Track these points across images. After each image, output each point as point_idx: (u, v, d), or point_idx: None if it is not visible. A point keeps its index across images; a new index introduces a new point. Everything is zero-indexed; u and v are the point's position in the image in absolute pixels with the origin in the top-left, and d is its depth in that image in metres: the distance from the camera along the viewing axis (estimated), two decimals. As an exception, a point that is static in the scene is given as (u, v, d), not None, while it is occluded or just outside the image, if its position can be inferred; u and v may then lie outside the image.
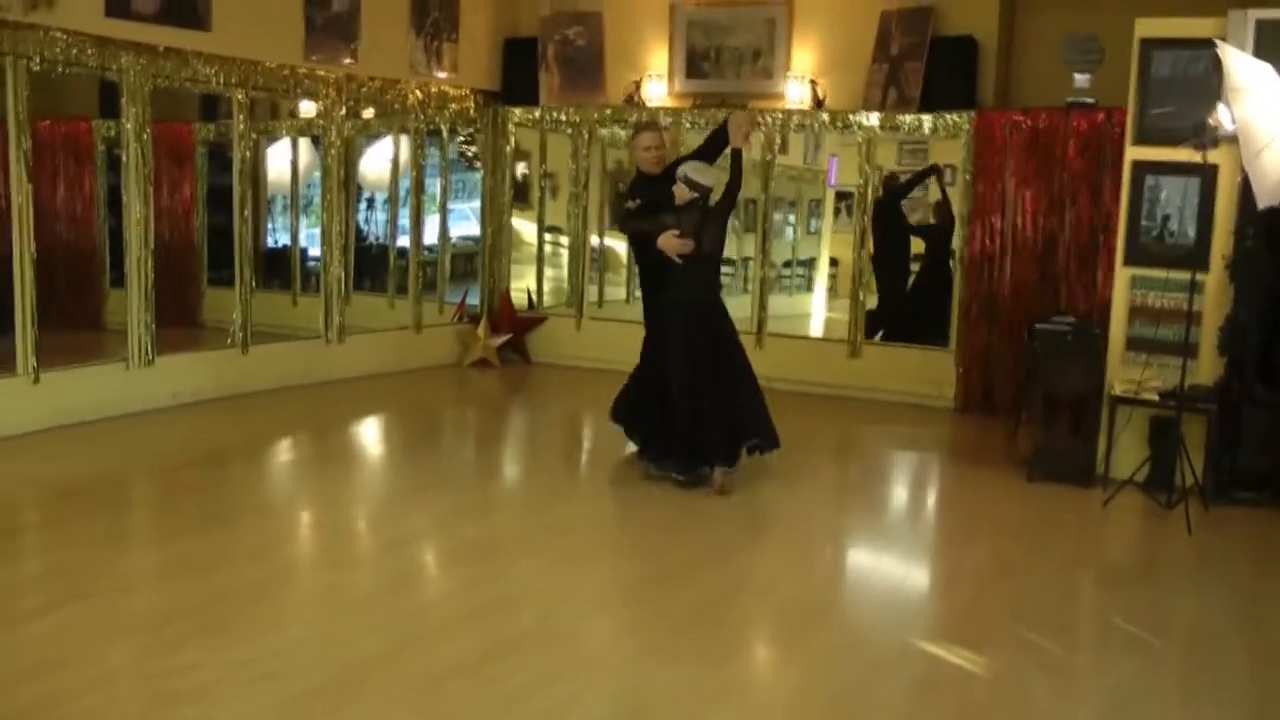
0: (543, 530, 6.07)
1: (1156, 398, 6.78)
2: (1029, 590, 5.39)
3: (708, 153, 7.00)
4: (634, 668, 4.33)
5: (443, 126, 11.02)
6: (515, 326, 10.96)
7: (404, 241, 11.50)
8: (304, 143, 11.69)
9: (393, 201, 11.72)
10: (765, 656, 4.54)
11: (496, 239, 11.26)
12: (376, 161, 12.21)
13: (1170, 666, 4.64)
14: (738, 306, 10.60)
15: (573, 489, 7.04)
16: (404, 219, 11.88)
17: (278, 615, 4.70)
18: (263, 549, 5.54)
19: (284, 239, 12.30)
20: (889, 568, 5.79)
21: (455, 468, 7.48)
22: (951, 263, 9.50)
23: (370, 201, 12.71)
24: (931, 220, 10.78)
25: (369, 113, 11.23)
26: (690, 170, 6.61)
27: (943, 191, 10.38)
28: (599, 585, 5.26)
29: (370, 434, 8.68)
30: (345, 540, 5.84)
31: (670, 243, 6.58)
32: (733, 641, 4.60)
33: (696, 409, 6.57)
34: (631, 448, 7.22)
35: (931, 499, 7.45)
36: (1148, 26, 7.01)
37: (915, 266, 10.86)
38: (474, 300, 11.23)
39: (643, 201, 6.88)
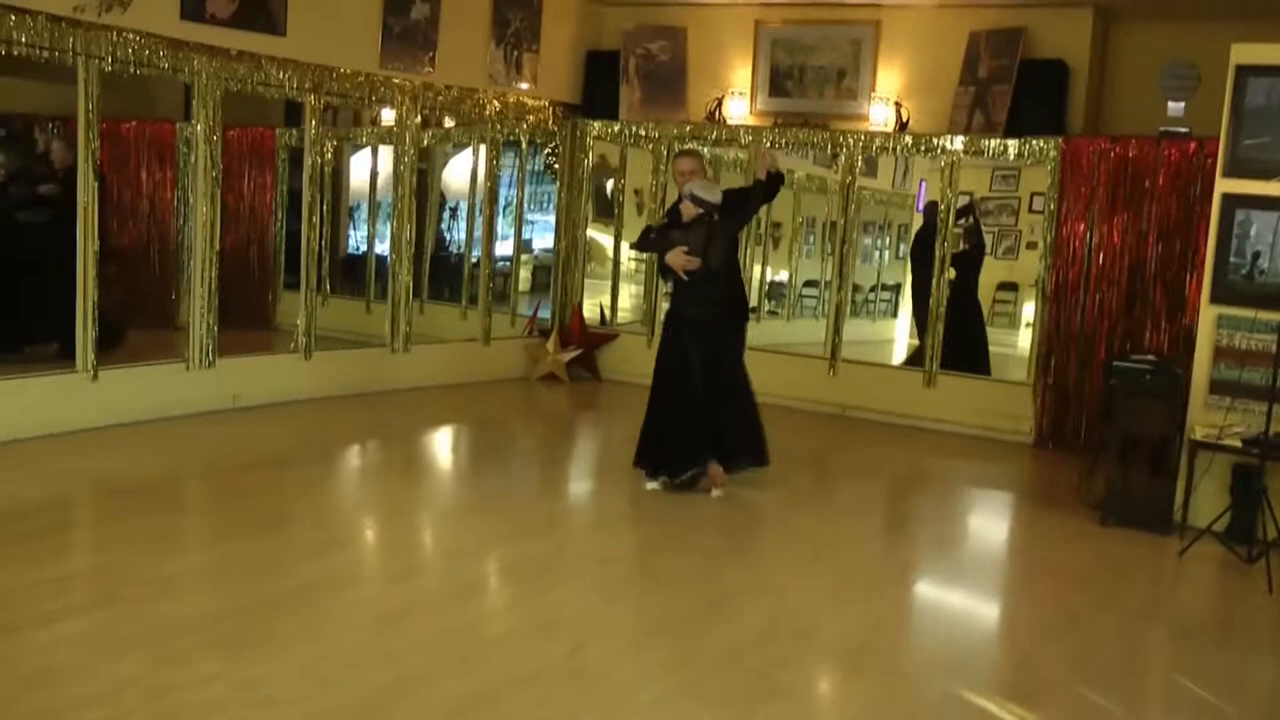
0: (587, 556, 5.90)
1: (1239, 444, 6.41)
2: (1092, 643, 5.07)
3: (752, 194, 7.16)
4: (660, 709, 4.13)
5: (521, 137, 10.94)
6: (586, 342, 10.82)
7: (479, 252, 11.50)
8: (384, 150, 11.67)
9: (470, 211, 11.65)
10: (799, 704, 4.29)
11: (571, 252, 11.14)
12: (459, 171, 12.18)
13: (1240, 736, 4.32)
14: (815, 329, 10.50)
15: (623, 513, 6.85)
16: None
17: (297, 632, 4.56)
18: (296, 560, 5.46)
19: (364, 246, 12.33)
20: (942, 612, 5.53)
21: (505, 485, 7.33)
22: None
23: (454, 211, 12.69)
24: (963, 246, 10.35)
25: (449, 122, 11.21)
26: (696, 188, 6.82)
27: (975, 219, 10.12)
28: (635, 617, 5.06)
29: (425, 447, 8.59)
30: (382, 556, 5.74)
31: (677, 259, 6.78)
32: (767, 686, 4.36)
33: (685, 410, 6.85)
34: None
35: (996, 539, 7.13)
36: (1244, 53, 6.67)
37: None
38: (546, 314, 11.12)
39: (670, 223, 7.01)
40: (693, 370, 6.88)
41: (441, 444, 8.71)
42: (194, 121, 8.08)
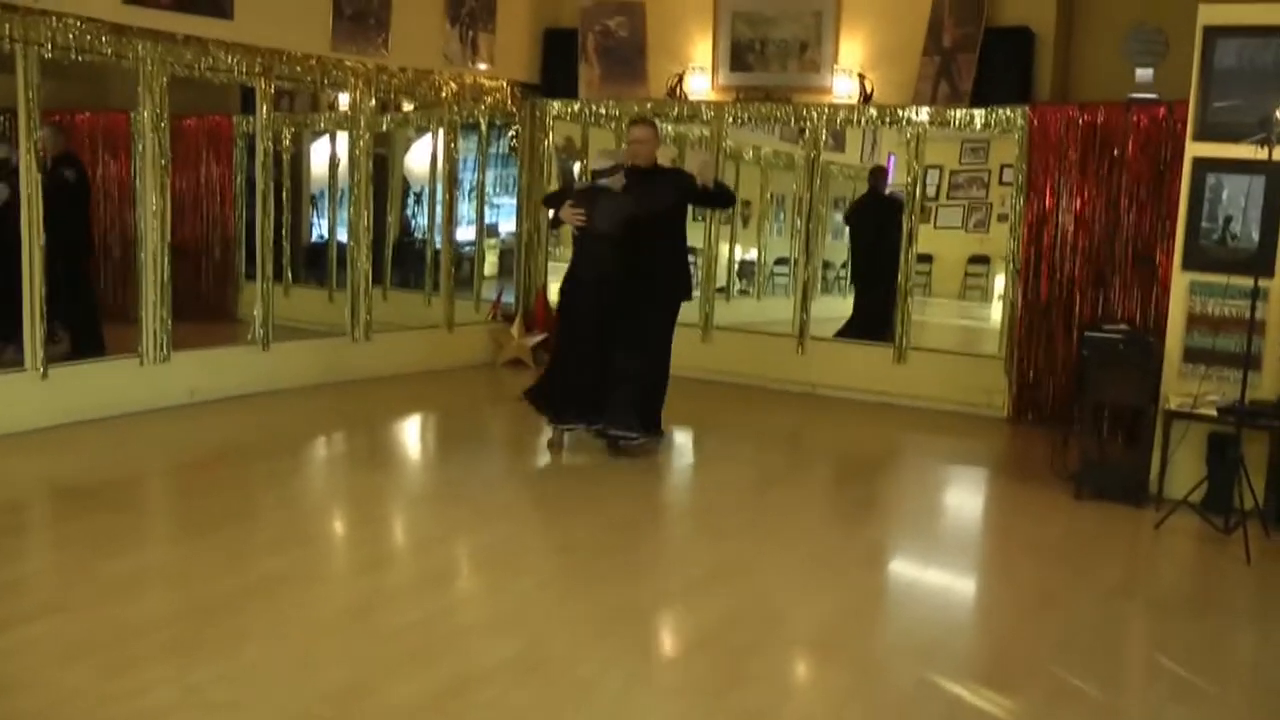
0: (548, 546, 5.76)
1: (1215, 412, 6.29)
2: (1070, 623, 4.95)
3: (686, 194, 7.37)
4: (624, 700, 3.97)
5: (481, 119, 10.73)
6: (551, 326, 10.60)
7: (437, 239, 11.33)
8: (343, 136, 11.44)
9: (430, 196, 11.44)
10: (766, 691, 4.13)
11: (533, 235, 10.94)
12: (421, 156, 11.95)
13: (1225, 716, 4.17)
14: (787, 308, 10.36)
15: (586, 497, 6.67)
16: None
17: (251, 633, 4.38)
18: (252, 557, 5.26)
19: (326, 234, 12.11)
20: (915, 594, 5.35)
21: (465, 473, 7.14)
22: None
23: (418, 196, 12.48)
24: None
25: (408, 105, 10.99)
26: (599, 162, 7.40)
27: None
28: (596, 607, 4.86)
29: (385, 437, 8.38)
30: (339, 550, 5.55)
31: (566, 213, 7.19)
32: (732, 674, 4.20)
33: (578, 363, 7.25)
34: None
35: (969, 516, 6.98)
36: (1212, 13, 6.53)
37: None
38: (510, 298, 10.94)
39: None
40: (575, 324, 7.30)
41: (401, 433, 8.52)
42: (140, 109, 7.82)
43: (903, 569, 5.69)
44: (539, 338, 10.50)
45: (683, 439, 8.09)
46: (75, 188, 8.85)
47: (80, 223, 8.96)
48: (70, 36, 7.31)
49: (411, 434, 8.54)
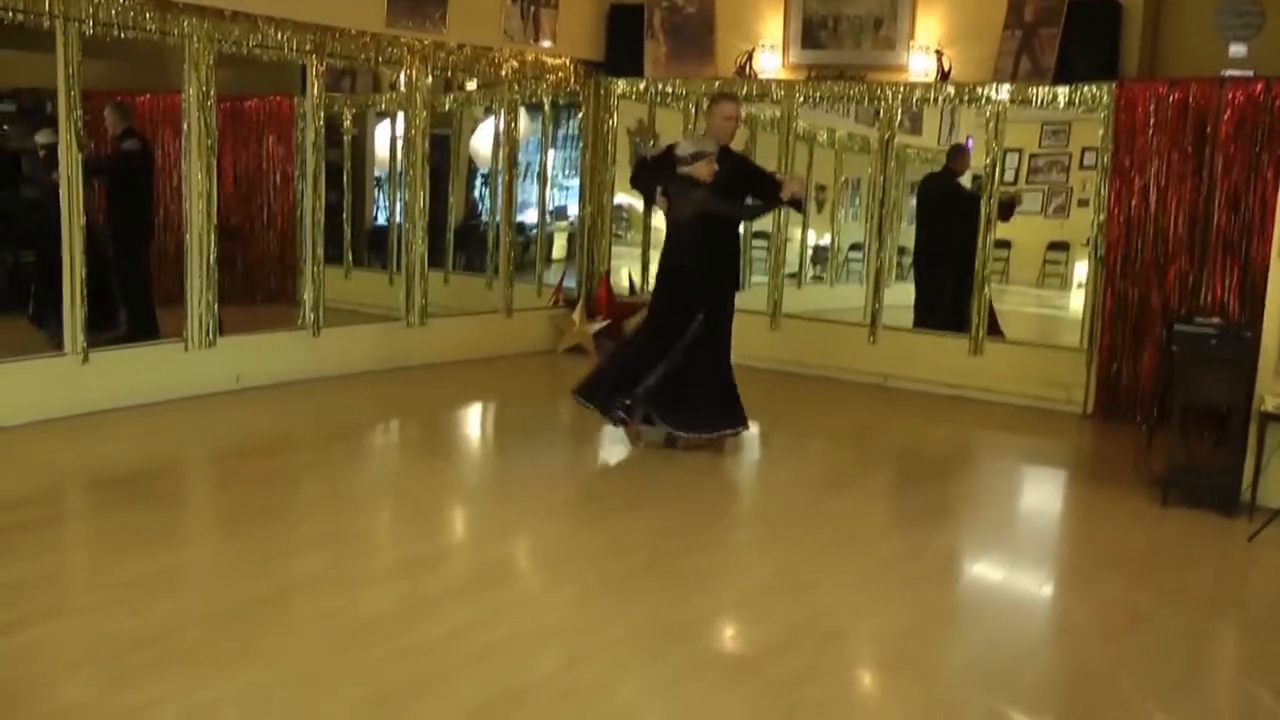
0: (598, 550, 5.40)
1: (1316, 415, 5.83)
2: (1156, 646, 4.53)
3: (760, 188, 7.05)
4: (660, 732, 3.66)
5: (545, 99, 10.43)
6: (614, 312, 10.31)
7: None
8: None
9: (491, 178, 11.19)
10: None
11: (597, 219, 10.62)
12: (486, 136, 11.69)
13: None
14: (860, 295, 9.99)
15: (641, 501, 6.36)
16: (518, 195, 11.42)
17: (263, 645, 4.11)
18: (276, 559, 5.02)
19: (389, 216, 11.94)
20: (987, 611, 4.93)
21: (514, 469, 6.87)
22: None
23: (485, 178, 12.24)
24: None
25: (471, 84, 10.73)
26: (684, 148, 6.86)
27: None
28: (644, 622, 4.52)
29: (432, 427, 8.09)
30: (371, 552, 5.24)
31: (700, 168, 6.70)
32: (782, 700, 3.86)
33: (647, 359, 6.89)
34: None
35: (1046, 524, 6.48)
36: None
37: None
38: (572, 283, 10.64)
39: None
40: (660, 318, 6.96)
41: (451, 424, 8.23)
42: (185, 88, 7.60)
43: (974, 582, 5.30)
44: (601, 324, 10.19)
45: (748, 435, 7.73)
46: (136, 168, 8.72)
47: (140, 204, 8.83)
48: (113, 13, 7.12)
49: (462, 424, 8.27)
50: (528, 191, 11.05)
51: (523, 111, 10.40)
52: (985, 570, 5.45)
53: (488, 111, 11.54)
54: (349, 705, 3.70)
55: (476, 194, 12.63)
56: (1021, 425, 8.29)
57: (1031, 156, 13.84)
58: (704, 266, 6.87)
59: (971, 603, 5.00)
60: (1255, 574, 5.55)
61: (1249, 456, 6.13)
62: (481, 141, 11.90)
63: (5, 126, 10.41)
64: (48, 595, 4.52)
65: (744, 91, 9.67)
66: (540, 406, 8.76)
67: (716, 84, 9.74)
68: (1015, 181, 14.17)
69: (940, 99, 9.04)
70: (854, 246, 12.62)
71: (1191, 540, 5.86)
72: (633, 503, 6.21)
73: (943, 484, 7.08)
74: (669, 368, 6.85)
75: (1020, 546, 5.88)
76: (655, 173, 7.03)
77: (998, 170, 8.75)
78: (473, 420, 8.36)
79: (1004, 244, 14.04)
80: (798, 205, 7.24)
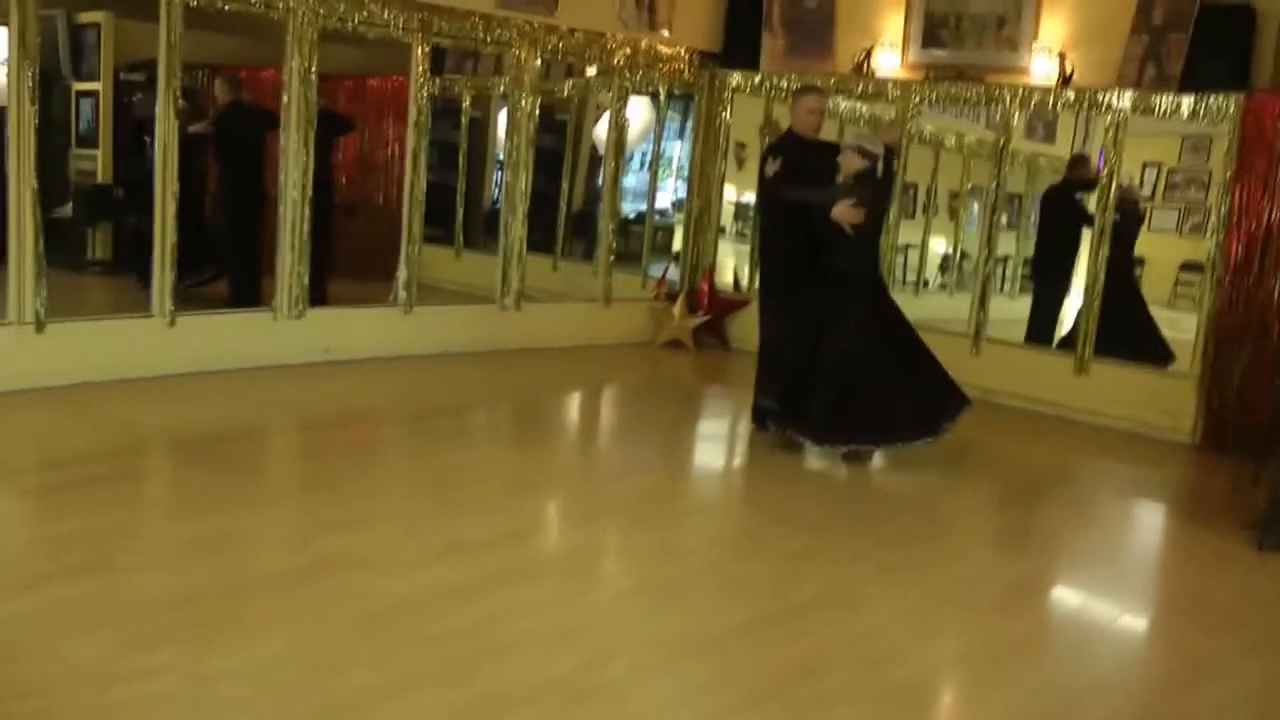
0: (648, 548, 5.26)
1: None
2: (1228, 700, 4.22)
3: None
4: (670, 747, 3.50)
5: (661, 87, 10.29)
6: (715, 308, 10.13)
7: (625, 208, 11.01)
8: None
9: (604, 165, 11.09)
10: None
11: (703, 213, 10.44)
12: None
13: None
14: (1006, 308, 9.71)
15: (711, 501, 6.19)
16: (629, 183, 11.34)
17: (280, 620, 4.06)
18: (321, 533, 5.01)
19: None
20: (1047, 647, 4.63)
21: (586, 461, 6.76)
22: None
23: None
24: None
25: (592, 70, 10.65)
26: (861, 140, 6.60)
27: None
28: (681, 627, 4.36)
29: (510, 413, 8.01)
30: (416, 535, 5.13)
31: (846, 213, 6.41)
32: (806, 724, 3.68)
33: (875, 379, 6.53)
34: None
35: (1128, 560, 6.07)
36: None
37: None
38: (676, 276, 10.49)
39: (783, 165, 6.66)
40: (860, 326, 6.59)
41: (529, 410, 8.09)
42: (287, 62, 7.64)
43: (1042, 617, 4.97)
44: (701, 319, 10.02)
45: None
46: (237, 140, 8.85)
47: (252, 173, 8.95)
48: (218, -15, 7.18)
49: (540, 413, 8.11)
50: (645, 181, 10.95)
51: (644, 101, 10.31)
52: (1054, 603, 5.16)
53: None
54: (353, 689, 3.62)
55: (599, 181, 12.57)
56: (1122, 452, 7.89)
57: (1169, 172, 13.29)
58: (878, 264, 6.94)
59: (1029, 638, 4.67)
60: (1351, 629, 5.14)
61: (1359, 502, 5.71)
62: (603, 129, 11.81)
63: (136, 96, 10.64)
64: (90, 551, 4.54)
65: (860, 89, 9.42)
66: (625, 400, 8.66)
67: (833, 80, 9.48)
68: (1152, 197, 13.65)
69: (1059, 104, 8.65)
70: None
71: (1285, 589, 5.47)
72: (696, 506, 6.06)
73: (1026, 508, 6.76)
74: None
75: (1097, 581, 5.55)
76: (800, 183, 6.67)
77: (1114, 183, 8.31)
78: (552, 409, 8.23)
79: (1138, 261, 13.54)
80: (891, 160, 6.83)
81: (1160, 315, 12.11)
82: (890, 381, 6.59)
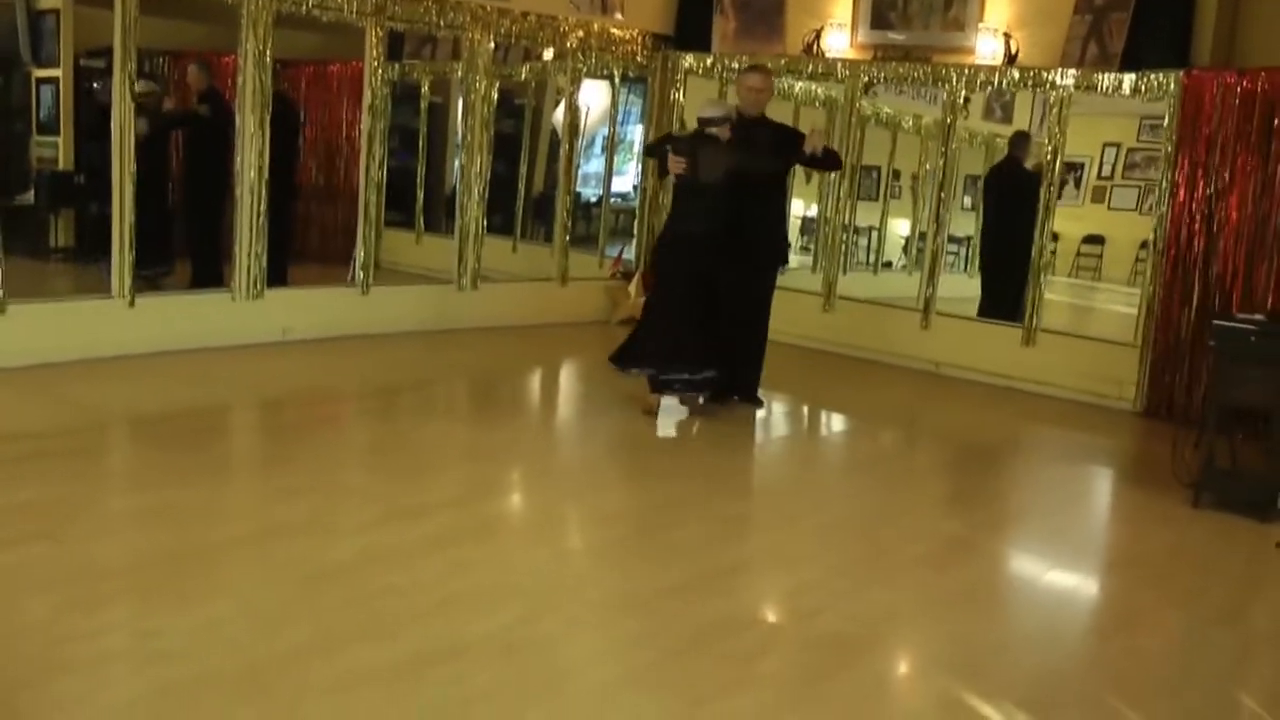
0: (586, 517, 5.39)
1: (1359, 421, 5.55)
2: (1149, 649, 4.37)
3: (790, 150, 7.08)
4: (597, 696, 3.60)
5: (615, 70, 10.39)
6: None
7: (586, 191, 11.12)
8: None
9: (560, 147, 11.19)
10: (762, 698, 3.70)
11: (657, 194, 10.55)
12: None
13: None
14: (960, 285, 9.85)
15: (655, 469, 6.30)
16: (590, 167, 11.44)
17: (226, 583, 4.17)
18: (269, 503, 5.12)
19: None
20: (974, 601, 4.74)
21: (530, 432, 6.86)
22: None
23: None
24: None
25: (549, 54, 10.73)
26: (704, 109, 6.96)
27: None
28: (610, 588, 4.49)
29: (462, 388, 8.11)
30: (362, 503, 5.23)
31: (671, 160, 6.74)
32: (733, 675, 3.77)
33: (686, 321, 6.79)
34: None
35: (1065, 518, 6.16)
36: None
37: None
38: (631, 255, 10.60)
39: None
40: (675, 282, 6.85)
41: (481, 385, 8.20)
42: (241, 46, 7.70)
43: (974, 573, 5.07)
44: (656, 298, 10.13)
45: (781, 410, 7.63)
46: (212, 124, 8.92)
47: (216, 158, 9.00)
48: (172, -30, 7.24)
49: (490, 387, 8.20)
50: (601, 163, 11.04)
51: (604, 85, 10.41)
52: (986, 560, 5.26)
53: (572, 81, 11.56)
54: (290, 645, 3.71)
55: (559, 165, 12.64)
56: (1068, 420, 8.05)
57: (1129, 151, 13.49)
58: (732, 231, 6.85)
59: (958, 592, 4.79)
60: (1274, 582, 5.29)
61: (1289, 460, 5.87)
62: (562, 113, 11.90)
63: (97, 83, 10.66)
64: (42, 520, 4.62)
65: (809, 70, 9.55)
66: (576, 374, 8.78)
67: (783, 61, 9.61)
68: (1112, 176, 13.83)
69: (1005, 83, 8.80)
70: (952, 239, 12.38)
71: (1217, 545, 5.63)
72: (636, 472, 6.19)
73: (970, 473, 6.92)
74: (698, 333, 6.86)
75: (1033, 540, 5.71)
76: (667, 141, 7.12)
77: (1058, 159, 8.46)
78: (503, 385, 8.30)
79: (1097, 239, 13.74)
80: (829, 162, 7.14)
81: (1121, 293, 12.36)
82: (683, 327, 6.82)
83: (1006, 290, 9.24)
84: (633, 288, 10.14)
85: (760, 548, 5.04)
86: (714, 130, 6.77)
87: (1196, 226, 7.77)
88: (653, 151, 7.29)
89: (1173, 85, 7.81)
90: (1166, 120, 7.89)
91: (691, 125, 10.37)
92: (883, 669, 4.01)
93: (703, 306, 6.84)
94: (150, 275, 8.47)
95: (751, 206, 6.91)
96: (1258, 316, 6.28)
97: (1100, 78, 8.14)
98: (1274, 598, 5.16)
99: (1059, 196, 8.75)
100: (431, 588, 4.26)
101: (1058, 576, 5.20)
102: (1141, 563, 5.39)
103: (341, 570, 4.37)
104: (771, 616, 4.34)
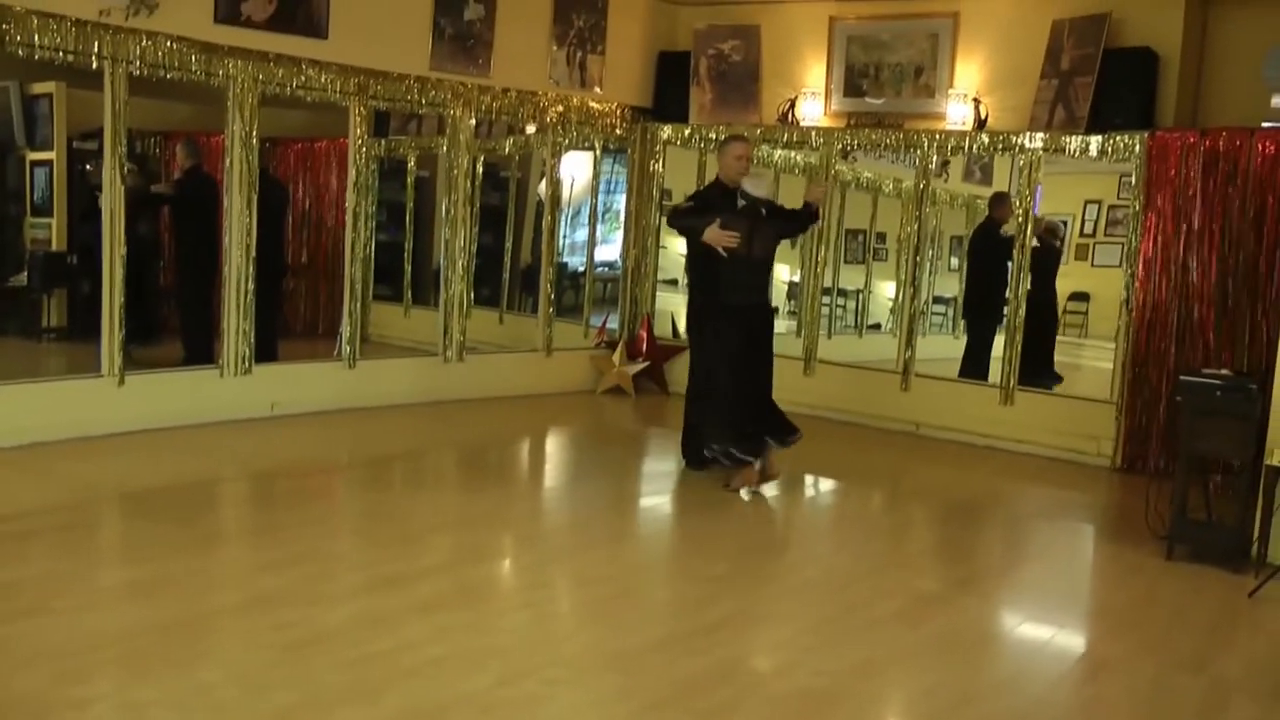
0: (571, 576, 5.50)
1: (1323, 471, 5.67)
2: (1116, 699, 4.45)
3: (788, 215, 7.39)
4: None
5: (596, 142, 10.61)
6: (654, 354, 10.40)
7: (572, 260, 11.30)
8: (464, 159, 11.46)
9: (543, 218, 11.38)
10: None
11: (640, 262, 10.73)
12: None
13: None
14: (945, 346, 9.98)
15: (638, 532, 6.42)
16: (577, 237, 11.61)
17: (212, 652, 4.26)
18: (257, 572, 5.21)
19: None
20: (944, 655, 4.81)
21: (515, 499, 6.96)
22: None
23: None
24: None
25: (531, 128, 10.94)
26: (747, 184, 7.06)
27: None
28: (590, 647, 4.59)
29: (451, 458, 8.19)
30: (348, 570, 5.34)
31: (715, 234, 6.74)
32: (700, 730, 3.89)
33: (747, 395, 7.00)
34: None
35: (1039, 572, 6.27)
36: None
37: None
38: (615, 325, 10.76)
39: (695, 199, 7.28)
40: (733, 354, 6.98)
41: (469, 456, 8.28)
42: (229, 127, 7.90)
43: (946, 627, 5.15)
44: (640, 366, 10.28)
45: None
46: (190, 202, 9.11)
47: (199, 236, 9.18)
48: (160, 55, 7.43)
49: (475, 457, 8.28)
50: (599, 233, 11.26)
51: (587, 156, 10.63)
52: (960, 614, 5.32)
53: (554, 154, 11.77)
54: (275, 709, 3.80)
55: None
56: (1046, 476, 8.16)
57: (1110, 208, 13.68)
58: (765, 296, 7.29)
59: (928, 646, 4.87)
60: (1246, 631, 5.38)
61: (1259, 511, 5.98)
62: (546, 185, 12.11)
63: (90, 164, 10.87)
64: (34, 595, 4.72)
65: (785, 138, 9.77)
66: (561, 443, 8.90)
67: (759, 130, 9.83)
68: (1094, 234, 14.02)
69: (975, 147, 9.02)
70: (937, 300, 12.55)
71: (1189, 596, 5.72)
72: (619, 536, 6.29)
73: (947, 529, 7.04)
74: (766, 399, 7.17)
75: (1006, 594, 5.81)
76: (698, 212, 7.08)
77: (1029, 221, 8.66)
78: (489, 454, 8.37)
79: (1083, 296, 13.90)
80: (814, 216, 7.42)
81: (1106, 349, 12.49)
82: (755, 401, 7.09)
83: (988, 352, 9.38)
84: (616, 356, 10.28)
85: (738, 607, 5.12)
86: (761, 205, 7.09)
87: (1165, 283, 7.92)
88: (684, 219, 7.16)
89: (1138, 146, 8.00)
90: (1134, 180, 8.08)
91: (674, 191, 10.74)
92: (853, 721, 4.10)
93: (761, 375, 7.12)
94: (138, 347, 8.62)
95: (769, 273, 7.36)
96: (1224, 372, 6.42)
97: (1068, 140, 8.34)
98: (1246, 647, 5.25)
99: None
100: (412, 652, 4.36)
101: (1030, 629, 5.29)
102: (1113, 614, 5.50)
103: (328, 636, 4.47)
104: (744, 673, 4.43)
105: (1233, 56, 8.29)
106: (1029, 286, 8.75)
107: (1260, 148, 7.50)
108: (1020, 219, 8.71)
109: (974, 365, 9.70)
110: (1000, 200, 9.69)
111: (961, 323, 11.00)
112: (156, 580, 5.01)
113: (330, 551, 5.67)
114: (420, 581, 5.20)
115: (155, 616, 4.57)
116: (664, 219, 10.48)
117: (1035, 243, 8.90)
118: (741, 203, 7.01)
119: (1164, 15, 8.15)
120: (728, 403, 6.97)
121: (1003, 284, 9.26)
